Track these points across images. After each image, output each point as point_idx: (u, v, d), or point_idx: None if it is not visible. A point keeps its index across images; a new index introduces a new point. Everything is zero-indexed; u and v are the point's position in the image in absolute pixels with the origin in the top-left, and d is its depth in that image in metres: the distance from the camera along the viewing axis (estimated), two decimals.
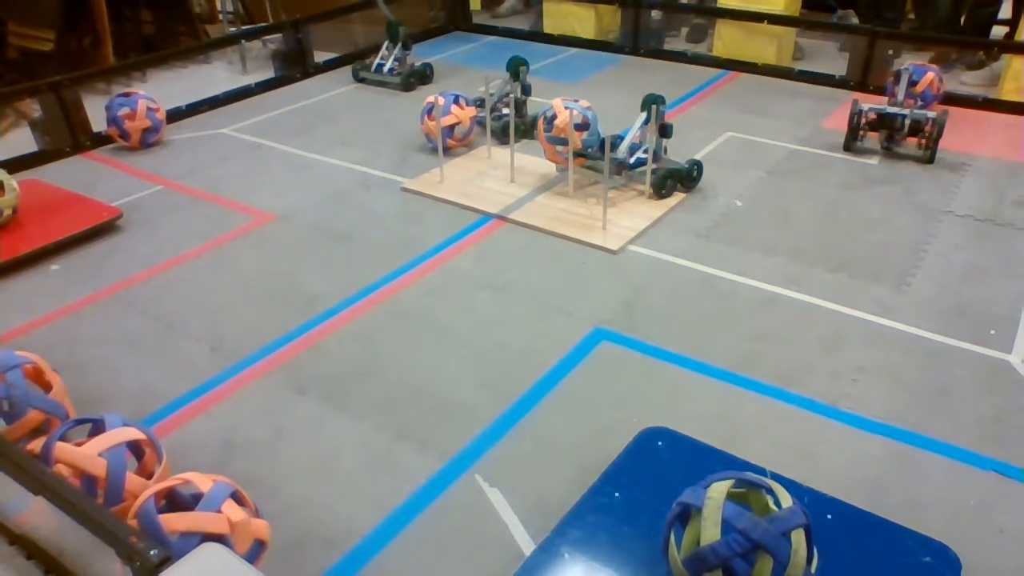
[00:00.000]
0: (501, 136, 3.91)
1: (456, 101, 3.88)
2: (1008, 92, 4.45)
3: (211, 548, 1.36)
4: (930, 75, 3.89)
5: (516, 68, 3.96)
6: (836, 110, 4.38)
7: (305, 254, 3.12)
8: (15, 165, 3.79)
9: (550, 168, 3.66)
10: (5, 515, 1.67)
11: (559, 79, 4.99)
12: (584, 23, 5.76)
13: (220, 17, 6.01)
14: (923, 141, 3.71)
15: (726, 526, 1.53)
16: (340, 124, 4.43)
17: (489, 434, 2.18)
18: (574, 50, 5.70)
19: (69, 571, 1.56)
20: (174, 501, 1.69)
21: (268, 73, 5.18)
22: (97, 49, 5.18)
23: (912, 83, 3.88)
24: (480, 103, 3.98)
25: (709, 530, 1.54)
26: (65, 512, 1.50)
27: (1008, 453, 2.08)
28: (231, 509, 1.63)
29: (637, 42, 5.51)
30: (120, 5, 5.44)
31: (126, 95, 4.06)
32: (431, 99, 3.79)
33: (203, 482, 1.67)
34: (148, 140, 4.11)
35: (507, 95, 4.01)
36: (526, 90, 4.00)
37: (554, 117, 3.49)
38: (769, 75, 5.01)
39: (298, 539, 1.86)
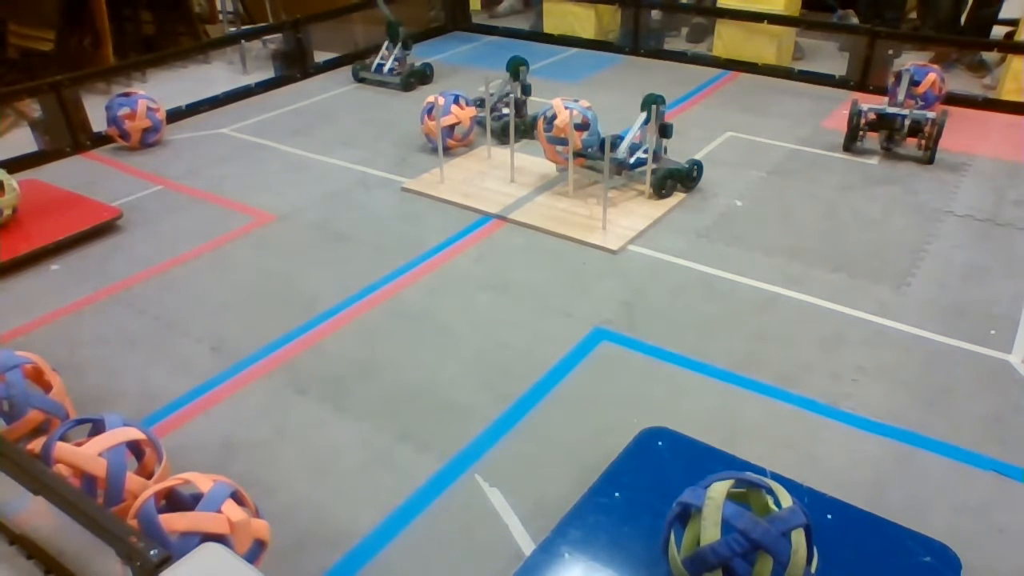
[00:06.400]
0: (501, 136, 3.91)
1: (456, 101, 3.88)
2: (1008, 92, 4.45)
3: (211, 548, 1.35)
4: (932, 76, 3.89)
5: (516, 68, 3.96)
6: (836, 110, 4.39)
7: (305, 254, 3.13)
8: (15, 165, 3.79)
9: (550, 168, 3.66)
10: (5, 515, 1.67)
11: (559, 79, 4.99)
12: (584, 23, 5.75)
13: (220, 17, 6.01)
14: (923, 141, 3.71)
15: (726, 526, 1.53)
16: (340, 124, 4.43)
17: (489, 434, 2.18)
18: (574, 50, 5.70)
19: (69, 571, 1.56)
20: (174, 501, 1.69)
21: (268, 73, 5.18)
22: (97, 49, 5.18)
23: (914, 83, 3.87)
24: (480, 103, 3.97)
25: (709, 530, 1.54)
26: (65, 512, 1.50)
27: (1008, 453, 2.08)
28: (231, 509, 1.63)
29: (637, 42, 5.51)
30: (120, 5, 5.44)
31: (126, 95, 4.06)
32: (431, 99, 3.79)
33: (203, 482, 1.67)
34: (148, 140, 4.11)
35: (507, 95, 4.01)
36: (526, 90, 4.00)
37: (554, 117, 3.49)
38: (769, 75, 5.01)
39: (298, 539, 1.86)
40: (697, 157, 3.60)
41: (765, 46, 5.07)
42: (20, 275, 3.01)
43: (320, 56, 5.34)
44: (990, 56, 5.08)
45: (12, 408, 2.04)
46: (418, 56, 5.27)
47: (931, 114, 3.67)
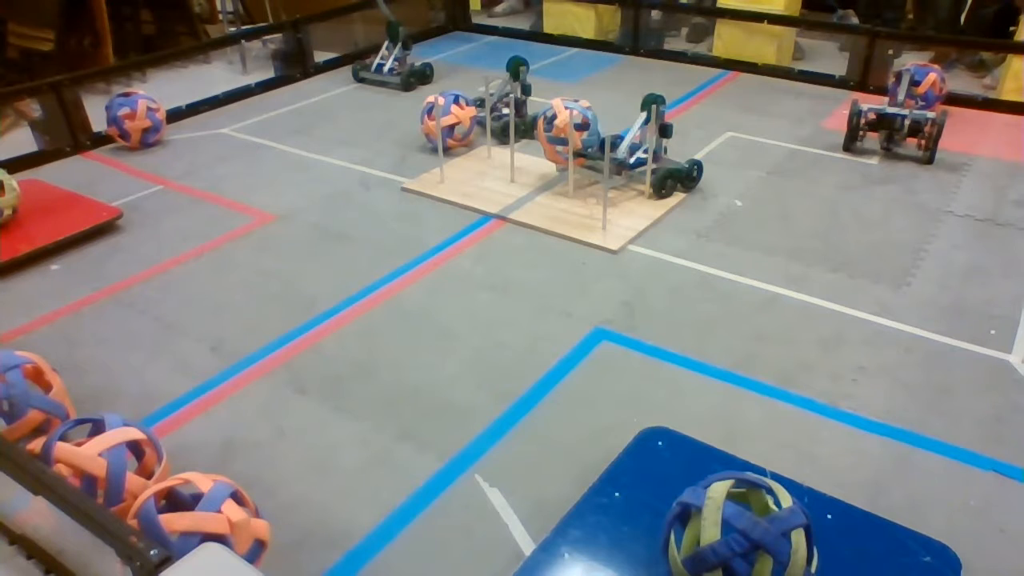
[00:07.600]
0: (501, 136, 3.91)
1: (456, 101, 3.88)
2: (1008, 92, 4.45)
3: (211, 548, 1.35)
4: (932, 76, 3.89)
5: (516, 68, 3.96)
6: (836, 110, 4.39)
7: (305, 254, 3.12)
8: (15, 165, 3.79)
9: (550, 168, 3.66)
10: (5, 515, 1.67)
11: (559, 79, 4.99)
12: (584, 23, 5.76)
13: (220, 17, 6.01)
14: (923, 141, 3.71)
15: (726, 526, 1.53)
16: (340, 124, 4.43)
17: (489, 434, 2.18)
18: (574, 50, 5.71)
19: (69, 571, 1.56)
20: (174, 501, 1.69)
21: (268, 73, 5.18)
22: (97, 49, 5.17)
23: (914, 83, 3.87)
24: (480, 103, 3.97)
25: (709, 530, 1.54)
26: (65, 512, 1.50)
27: (1008, 453, 2.08)
28: (231, 509, 1.63)
29: (637, 42, 5.51)
30: (120, 5, 5.44)
31: (126, 95, 4.06)
32: (431, 99, 3.79)
33: (203, 482, 1.68)
34: (148, 140, 4.11)
35: (507, 95, 4.01)
36: (526, 90, 4.00)
37: (554, 117, 3.49)
38: (769, 75, 5.01)
39: (298, 539, 1.86)
40: (697, 157, 3.60)
41: (765, 46, 5.07)
42: (20, 275, 3.01)
43: (320, 56, 5.33)
44: (990, 56, 5.07)
45: (12, 408, 2.04)
46: (418, 56, 5.27)
47: (931, 114, 3.67)
